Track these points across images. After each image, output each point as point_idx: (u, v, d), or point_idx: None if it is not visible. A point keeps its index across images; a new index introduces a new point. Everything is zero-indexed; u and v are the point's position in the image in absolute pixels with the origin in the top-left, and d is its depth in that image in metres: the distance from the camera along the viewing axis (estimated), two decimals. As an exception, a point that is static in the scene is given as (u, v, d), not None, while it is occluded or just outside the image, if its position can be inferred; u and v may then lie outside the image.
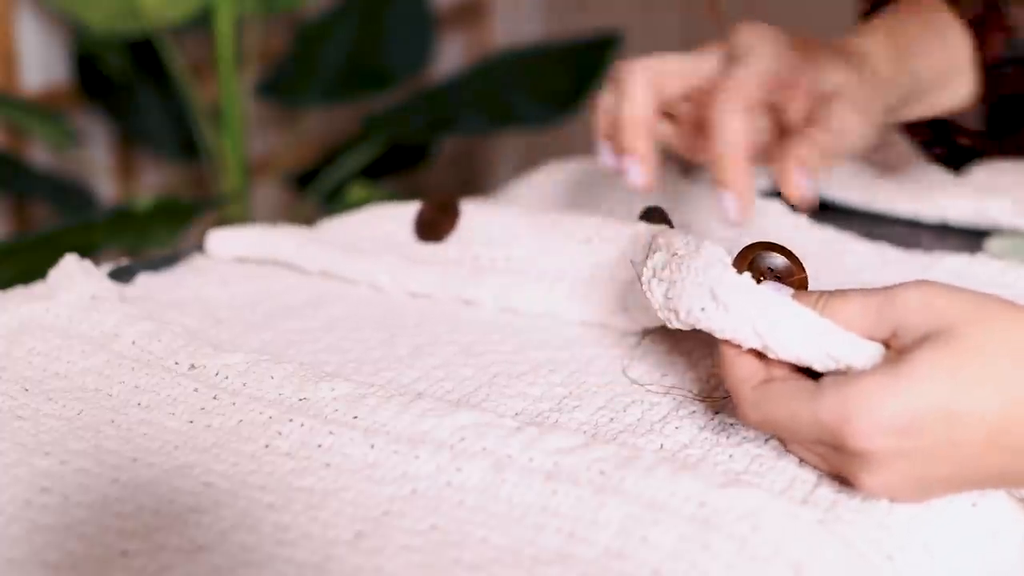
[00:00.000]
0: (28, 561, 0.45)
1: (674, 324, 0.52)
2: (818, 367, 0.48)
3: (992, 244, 0.76)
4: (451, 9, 1.94)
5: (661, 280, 0.53)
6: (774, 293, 0.49)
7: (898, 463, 0.45)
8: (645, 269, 0.54)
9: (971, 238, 0.77)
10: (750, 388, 0.49)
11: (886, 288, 0.48)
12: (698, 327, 0.51)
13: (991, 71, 0.69)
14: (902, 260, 0.71)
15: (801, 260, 0.53)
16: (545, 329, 0.64)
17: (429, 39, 1.63)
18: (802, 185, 0.58)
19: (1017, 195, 0.78)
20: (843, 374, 0.47)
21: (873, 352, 0.47)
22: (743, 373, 0.50)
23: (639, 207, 0.69)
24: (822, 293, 0.50)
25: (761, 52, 0.60)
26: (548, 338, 0.63)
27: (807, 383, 0.47)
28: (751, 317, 0.48)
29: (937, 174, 0.81)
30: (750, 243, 0.54)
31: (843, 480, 0.48)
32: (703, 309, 0.50)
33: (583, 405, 0.56)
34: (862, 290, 0.49)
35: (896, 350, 0.47)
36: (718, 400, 0.55)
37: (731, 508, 0.44)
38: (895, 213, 0.81)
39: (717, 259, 0.51)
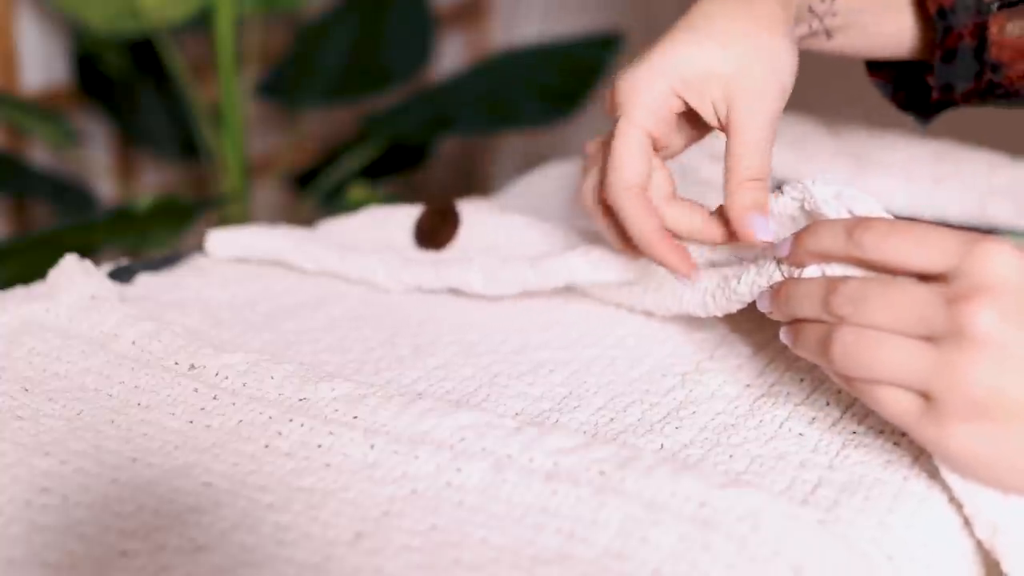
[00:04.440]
0: (28, 561, 0.45)
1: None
2: None
3: (992, 244, 0.76)
4: (451, 9, 1.94)
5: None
6: None
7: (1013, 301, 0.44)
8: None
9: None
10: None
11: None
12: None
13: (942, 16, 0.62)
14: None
15: None
16: (545, 329, 0.64)
17: (429, 39, 1.63)
18: (761, 230, 0.55)
19: (1017, 195, 0.78)
20: None
21: None
22: None
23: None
24: None
25: (632, 119, 0.57)
26: (548, 338, 0.63)
27: None
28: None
29: (936, 174, 0.81)
30: None
31: (937, 359, 0.45)
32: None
33: (583, 405, 0.56)
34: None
35: None
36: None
37: (731, 508, 0.44)
38: (894, 213, 0.81)
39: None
